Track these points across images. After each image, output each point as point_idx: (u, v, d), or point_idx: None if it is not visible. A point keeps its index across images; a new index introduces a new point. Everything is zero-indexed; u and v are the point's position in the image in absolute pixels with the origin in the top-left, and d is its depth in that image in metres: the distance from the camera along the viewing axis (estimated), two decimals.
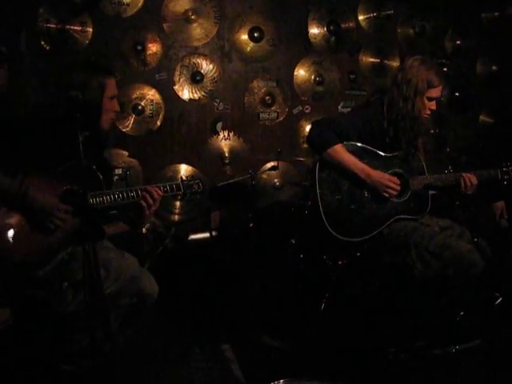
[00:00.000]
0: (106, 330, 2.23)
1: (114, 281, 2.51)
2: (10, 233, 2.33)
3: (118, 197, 2.58)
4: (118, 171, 4.33)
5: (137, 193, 2.63)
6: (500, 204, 3.95)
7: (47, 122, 2.56)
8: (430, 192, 3.24)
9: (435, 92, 3.11)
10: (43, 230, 2.41)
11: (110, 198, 2.56)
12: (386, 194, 3.13)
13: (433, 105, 3.14)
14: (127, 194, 2.61)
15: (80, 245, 1.92)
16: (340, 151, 3.09)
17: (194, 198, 2.97)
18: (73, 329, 2.52)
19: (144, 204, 2.62)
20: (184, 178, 2.91)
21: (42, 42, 4.16)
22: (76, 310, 2.45)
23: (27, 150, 2.44)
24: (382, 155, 3.20)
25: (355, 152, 3.14)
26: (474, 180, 3.16)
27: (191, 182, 2.89)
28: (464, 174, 3.17)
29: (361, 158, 3.13)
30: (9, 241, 2.32)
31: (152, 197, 2.63)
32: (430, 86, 3.08)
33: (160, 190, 2.69)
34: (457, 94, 5.39)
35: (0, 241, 2.31)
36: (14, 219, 2.34)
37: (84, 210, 2.39)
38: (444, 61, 5.24)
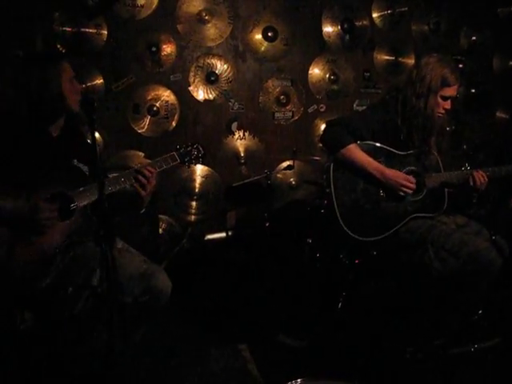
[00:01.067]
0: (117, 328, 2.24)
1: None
2: (5, 248, 2.30)
3: (109, 188, 2.53)
4: None
5: (128, 177, 2.60)
6: None
7: (17, 125, 2.53)
8: (447, 190, 3.22)
9: (450, 91, 3.07)
10: (36, 237, 2.39)
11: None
12: (402, 193, 3.11)
13: (447, 104, 3.10)
14: (118, 181, 2.57)
15: (96, 245, 1.92)
16: (354, 151, 3.08)
17: (196, 163, 2.89)
18: (82, 330, 2.53)
19: (137, 185, 2.60)
20: (179, 146, 2.85)
21: (58, 46, 4.20)
22: (83, 311, 2.45)
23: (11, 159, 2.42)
24: (396, 153, 3.18)
25: (370, 151, 3.12)
26: (484, 178, 3.14)
27: (188, 149, 2.85)
28: (474, 172, 3.15)
29: (375, 157, 3.12)
30: (5, 256, 2.30)
31: (145, 176, 2.61)
32: (445, 84, 3.05)
33: (152, 167, 2.66)
34: (473, 91, 5.34)
35: None
36: (5, 233, 2.32)
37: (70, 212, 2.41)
38: (459, 57, 5.19)
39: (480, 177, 3.13)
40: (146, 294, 2.54)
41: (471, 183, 3.13)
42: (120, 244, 2.71)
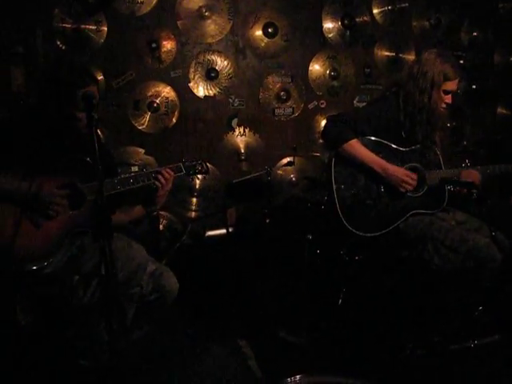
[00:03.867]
0: (121, 321, 2.25)
1: (121, 269, 2.54)
2: (10, 231, 2.38)
3: (130, 182, 2.68)
4: (135, 168, 4.35)
5: (148, 176, 2.73)
6: None
7: (45, 118, 2.61)
8: (447, 186, 3.22)
9: (451, 85, 3.09)
10: (43, 223, 2.48)
11: (123, 183, 2.65)
12: (403, 189, 3.11)
13: (449, 98, 3.12)
14: (137, 179, 2.70)
15: (94, 238, 1.94)
16: (356, 146, 3.08)
17: (197, 175, 3.10)
18: (87, 323, 2.56)
19: (158, 184, 2.74)
20: (185, 159, 2.97)
21: (58, 42, 4.20)
22: (89, 303, 2.49)
23: (32, 148, 2.50)
24: (398, 149, 3.18)
25: (371, 147, 3.12)
26: (475, 175, 3.15)
27: (193, 163, 2.96)
28: (465, 170, 3.17)
29: (377, 153, 3.12)
30: (10, 239, 2.37)
31: (164, 177, 2.75)
32: (446, 78, 3.05)
33: (172, 170, 2.81)
34: (474, 87, 5.33)
35: (2, 240, 2.37)
36: (12, 216, 2.41)
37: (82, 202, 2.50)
38: (460, 53, 5.20)
39: (472, 174, 3.14)
40: (155, 293, 2.63)
41: (460, 180, 3.14)
42: (122, 241, 2.72)
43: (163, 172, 2.77)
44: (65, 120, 2.54)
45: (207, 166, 3.03)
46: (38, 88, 2.69)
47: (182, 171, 2.90)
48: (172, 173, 2.80)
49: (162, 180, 2.75)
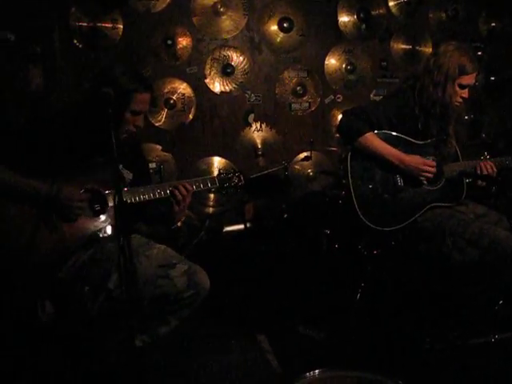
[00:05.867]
0: (140, 323, 2.26)
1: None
2: (28, 233, 2.35)
3: (144, 196, 2.58)
4: (152, 165, 4.38)
5: (164, 190, 2.63)
6: None
7: (78, 118, 2.60)
8: (465, 179, 3.19)
9: (467, 79, 3.03)
10: (63, 225, 2.44)
11: (136, 197, 2.57)
12: (422, 178, 3.09)
13: (465, 93, 3.06)
14: (154, 192, 2.61)
15: (114, 240, 1.94)
16: (372, 139, 3.06)
17: (231, 191, 2.85)
18: (100, 329, 2.57)
19: (173, 200, 2.62)
20: (222, 171, 2.85)
21: (75, 41, 4.24)
22: (99, 314, 2.49)
23: (57, 147, 2.48)
24: (414, 142, 3.16)
25: (387, 140, 3.10)
26: (492, 168, 3.12)
27: (230, 175, 2.84)
28: (481, 163, 3.13)
29: (393, 146, 3.10)
30: (27, 241, 2.34)
31: (180, 192, 2.62)
32: (463, 72, 3.00)
33: (189, 185, 2.67)
34: (492, 79, 5.27)
35: (19, 242, 2.34)
36: (31, 219, 2.37)
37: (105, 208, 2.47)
38: (479, 44, 5.14)
39: (487, 167, 3.11)
40: (190, 290, 2.59)
41: (478, 173, 3.11)
42: (142, 242, 2.72)
43: (180, 187, 2.63)
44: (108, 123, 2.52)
45: (244, 179, 2.85)
46: (90, 89, 2.60)
47: (215, 184, 2.78)
48: (190, 188, 2.67)
49: (178, 196, 2.62)
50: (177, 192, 2.62)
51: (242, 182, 2.85)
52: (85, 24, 4.23)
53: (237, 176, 2.85)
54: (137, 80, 2.57)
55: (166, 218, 2.76)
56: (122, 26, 4.33)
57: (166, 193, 2.63)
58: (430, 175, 3.10)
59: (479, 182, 3.20)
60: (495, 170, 3.13)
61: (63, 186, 2.39)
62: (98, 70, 2.74)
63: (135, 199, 2.56)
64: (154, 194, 2.61)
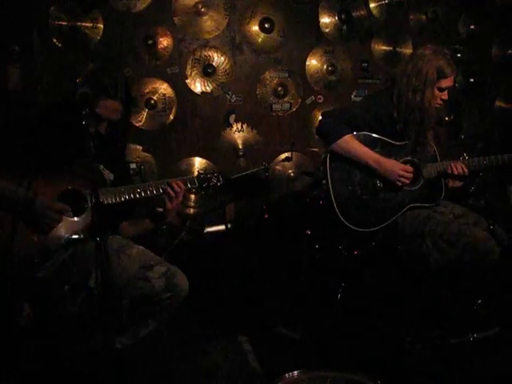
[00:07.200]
0: (117, 325, 2.25)
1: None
2: (7, 234, 2.31)
3: (137, 191, 2.62)
4: (133, 166, 4.35)
5: (157, 187, 2.66)
6: None
7: (55, 118, 2.59)
8: (444, 179, 3.21)
9: (446, 82, 3.06)
10: (40, 229, 2.41)
11: (130, 192, 2.59)
12: (399, 183, 3.11)
13: (444, 95, 3.09)
14: (145, 189, 2.64)
15: (92, 240, 1.93)
16: (350, 141, 3.07)
17: (210, 191, 2.91)
18: (80, 330, 2.55)
19: (166, 197, 2.67)
20: (201, 171, 2.90)
21: (54, 40, 4.19)
22: (79, 313, 2.47)
23: (35, 149, 2.46)
24: (393, 144, 3.17)
25: (366, 142, 3.12)
26: (464, 169, 3.13)
27: (209, 175, 2.88)
28: (452, 163, 3.15)
29: (372, 148, 3.12)
30: (6, 242, 2.30)
31: (173, 189, 2.67)
32: (441, 76, 3.03)
33: (182, 183, 2.72)
34: (472, 80, 5.31)
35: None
36: (10, 220, 2.33)
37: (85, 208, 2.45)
38: (458, 46, 5.17)
39: (458, 167, 3.13)
40: (168, 292, 2.60)
41: (450, 174, 3.14)
42: (121, 243, 2.71)
43: (173, 184, 2.68)
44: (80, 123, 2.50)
45: (221, 179, 2.91)
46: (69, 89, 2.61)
47: (195, 184, 2.82)
48: (183, 185, 2.72)
49: (171, 193, 2.67)
50: (169, 189, 2.67)
51: (220, 182, 2.89)
52: (64, 23, 4.19)
53: (215, 176, 2.89)
54: (105, 86, 2.59)
55: (158, 216, 2.79)
56: (102, 26, 4.29)
57: (158, 190, 2.66)
58: (406, 181, 3.12)
59: (450, 183, 3.22)
60: (466, 170, 3.14)
61: (39, 192, 2.37)
62: (77, 70, 2.73)
63: (125, 198, 2.58)
64: (146, 192, 2.64)
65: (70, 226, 2.49)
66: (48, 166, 2.46)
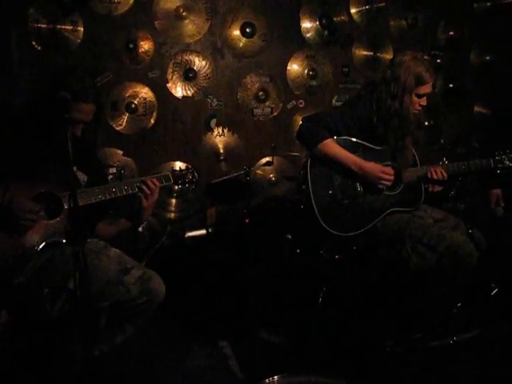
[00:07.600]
0: (95, 331, 2.23)
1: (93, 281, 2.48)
2: None
3: (112, 191, 2.60)
4: (113, 170, 4.32)
5: (131, 185, 2.65)
6: (495, 192, 3.92)
7: (33, 122, 2.57)
8: (423, 184, 3.24)
9: (425, 89, 3.09)
10: (16, 233, 2.39)
11: (105, 192, 2.57)
12: (380, 186, 3.12)
13: (423, 101, 3.12)
14: (120, 188, 2.62)
15: (69, 245, 1.91)
16: (331, 145, 3.08)
17: (187, 188, 2.95)
18: (60, 333, 2.53)
19: (142, 195, 2.66)
20: (176, 168, 2.93)
21: (33, 43, 4.14)
22: (59, 316, 2.45)
23: (11, 151, 2.44)
24: (373, 148, 3.19)
25: (347, 146, 3.13)
26: (443, 173, 3.16)
27: (183, 172, 2.89)
28: (431, 168, 3.17)
29: (352, 152, 3.12)
30: None
31: (148, 187, 2.66)
32: (419, 82, 3.05)
33: (157, 180, 2.71)
34: (451, 86, 5.38)
35: None
36: None
37: (59, 211, 2.43)
38: (437, 52, 5.24)
39: (437, 172, 3.16)
40: (143, 297, 2.59)
41: (429, 178, 3.17)
42: (99, 246, 2.69)
43: (148, 182, 2.68)
44: (55, 126, 2.48)
45: (197, 175, 2.93)
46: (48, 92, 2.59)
47: (170, 180, 2.82)
48: (158, 183, 2.71)
49: (147, 190, 2.66)
50: (144, 187, 2.66)
51: (196, 178, 2.92)
52: (44, 26, 4.14)
53: (190, 172, 2.90)
54: (82, 88, 2.56)
55: (134, 216, 2.77)
56: (82, 29, 4.25)
57: (133, 188, 2.65)
58: (387, 183, 3.13)
59: (430, 188, 3.25)
60: (445, 175, 3.17)
61: (15, 195, 2.35)
62: (56, 72, 2.70)
63: (100, 198, 2.55)
64: (121, 191, 2.62)
65: (46, 229, 2.47)
66: (23, 169, 2.44)
